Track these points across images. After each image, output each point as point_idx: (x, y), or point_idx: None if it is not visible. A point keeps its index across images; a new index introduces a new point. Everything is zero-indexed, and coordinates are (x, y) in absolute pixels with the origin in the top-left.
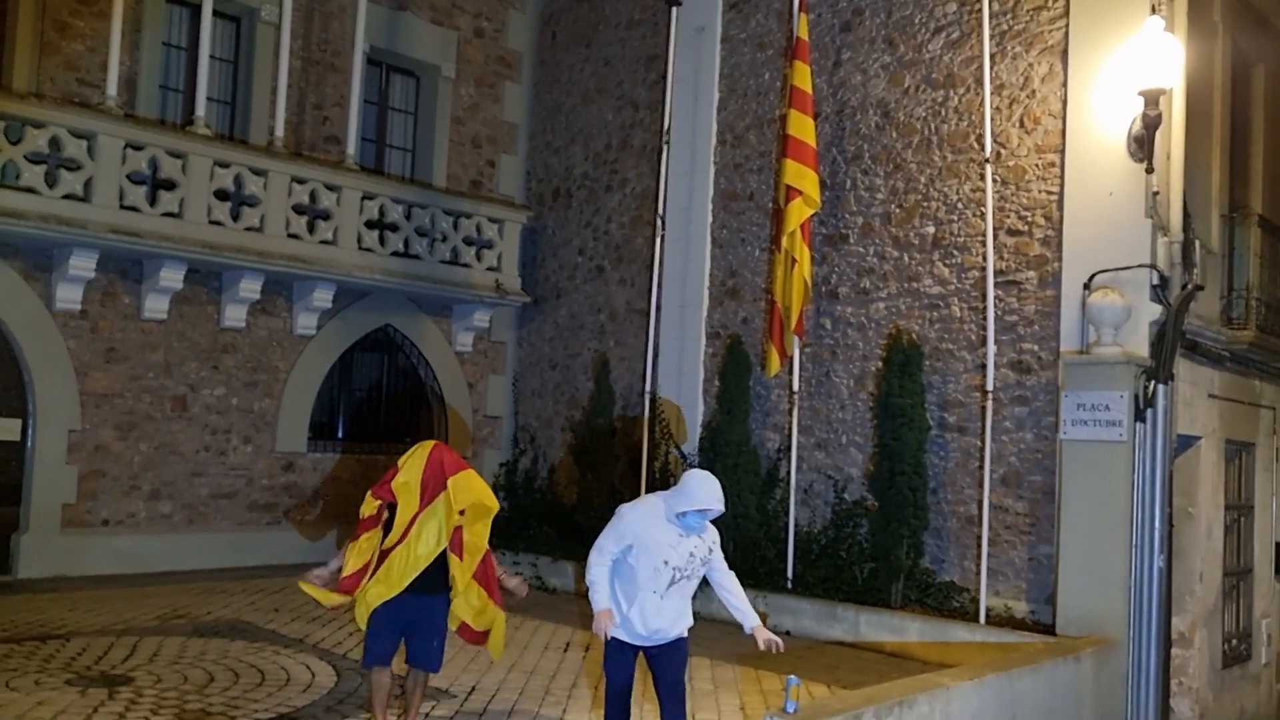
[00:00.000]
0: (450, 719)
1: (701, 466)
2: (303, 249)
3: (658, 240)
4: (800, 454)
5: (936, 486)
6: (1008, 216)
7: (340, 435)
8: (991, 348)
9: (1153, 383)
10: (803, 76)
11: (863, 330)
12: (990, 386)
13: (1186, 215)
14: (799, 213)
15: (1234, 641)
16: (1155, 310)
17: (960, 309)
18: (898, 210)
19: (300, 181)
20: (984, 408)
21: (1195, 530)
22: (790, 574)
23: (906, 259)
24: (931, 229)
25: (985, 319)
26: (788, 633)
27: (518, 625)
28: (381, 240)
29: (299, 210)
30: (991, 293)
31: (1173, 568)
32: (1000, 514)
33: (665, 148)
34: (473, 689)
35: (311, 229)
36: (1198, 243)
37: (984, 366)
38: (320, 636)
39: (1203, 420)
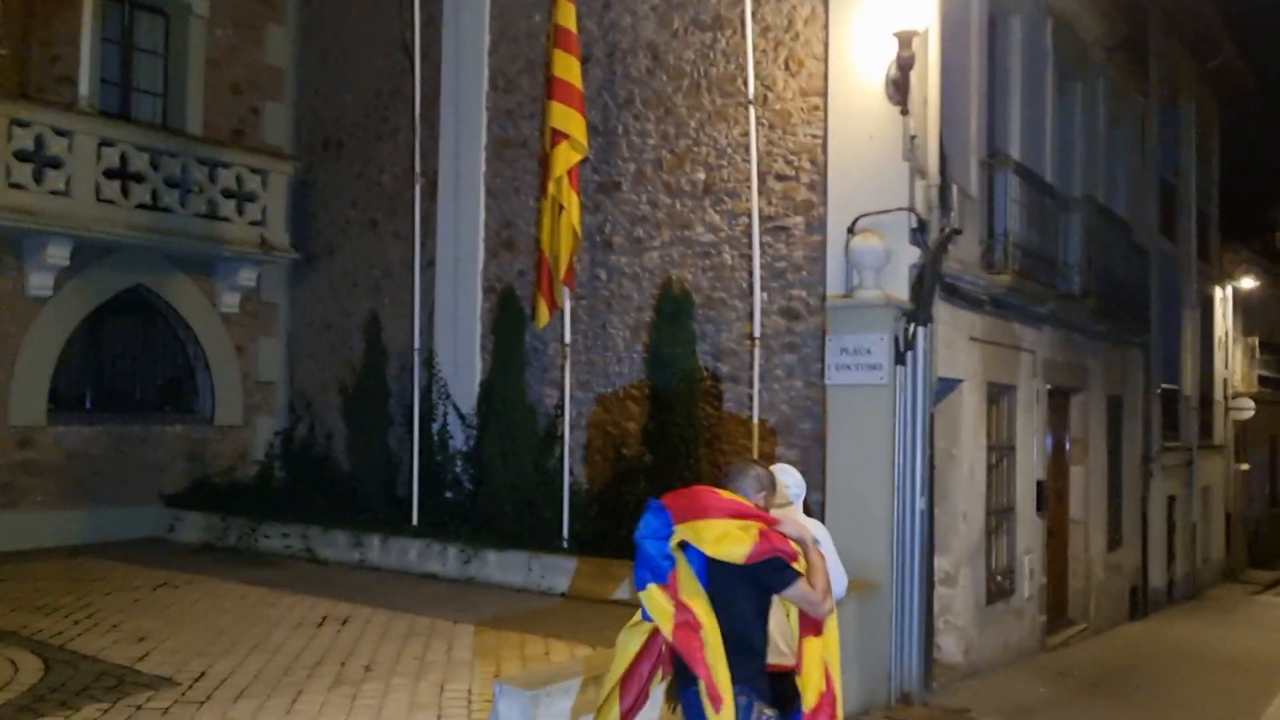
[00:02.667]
0: (167, 710)
1: (477, 425)
2: (28, 200)
3: (420, 191)
4: (579, 409)
5: (711, 438)
6: (775, 161)
7: (90, 406)
8: (759, 294)
9: (912, 325)
10: (567, 15)
11: (637, 280)
12: (758, 333)
13: (944, 159)
14: (566, 158)
15: (998, 578)
16: (915, 254)
17: (732, 256)
18: (669, 156)
19: (22, 124)
20: (752, 355)
21: (959, 471)
22: (566, 533)
23: (679, 206)
24: (702, 175)
25: (753, 265)
26: (563, 594)
27: (274, 602)
28: (125, 191)
29: (22, 157)
30: (757, 238)
31: (937, 509)
32: (773, 462)
33: (435, 94)
34: (201, 674)
35: (39, 178)
36: (956, 187)
37: (753, 313)
38: (39, 626)
39: (964, 363)
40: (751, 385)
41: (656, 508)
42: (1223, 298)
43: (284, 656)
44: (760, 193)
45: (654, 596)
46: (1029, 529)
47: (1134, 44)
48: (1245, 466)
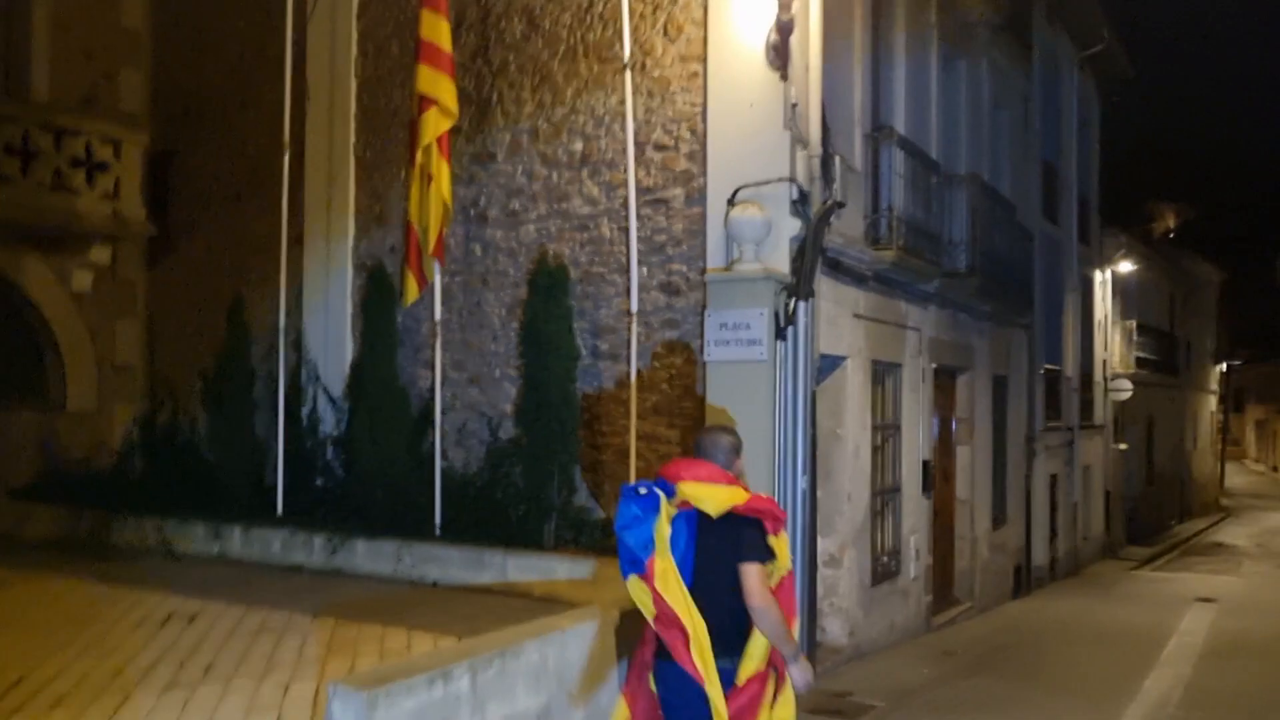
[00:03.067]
0: None
1: (348, 409)
2: None
3: (287, 162)
4: (454, 391)
5: (591, 419)
6: (654, 130)
7: None
8: (635, 269)
9: (793, 300)
10: None
11: (513, 256)
12: (634, 309)
13: (826, 129)
14: (435, 125)
15: (884, 559)
16: (796, 226)
17: (610, 229)
18: (546, 125)
19: None
20: (629, 331)
21: (843, 451)
22: (439, 520)
23: (556, 178)
24: (580, 145)
25: (630, 237)
26: (434, 583)
27: (117, 600)
28: None
29: None
30: (634, 210)
31: (821, 490)
32: (653, 443)
33: (301, 59)
34: (18, 681)
35: None
36: (839, 159)
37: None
38: None
39: (848, 340)
40: (627, 362)
41: (630, 493)
42: (1102, 281)
43: (117, 658)
44: (638, 163)
45: (635, 586)
46: (915, 509)
47: (1017, 25)
48: (1123, 446)
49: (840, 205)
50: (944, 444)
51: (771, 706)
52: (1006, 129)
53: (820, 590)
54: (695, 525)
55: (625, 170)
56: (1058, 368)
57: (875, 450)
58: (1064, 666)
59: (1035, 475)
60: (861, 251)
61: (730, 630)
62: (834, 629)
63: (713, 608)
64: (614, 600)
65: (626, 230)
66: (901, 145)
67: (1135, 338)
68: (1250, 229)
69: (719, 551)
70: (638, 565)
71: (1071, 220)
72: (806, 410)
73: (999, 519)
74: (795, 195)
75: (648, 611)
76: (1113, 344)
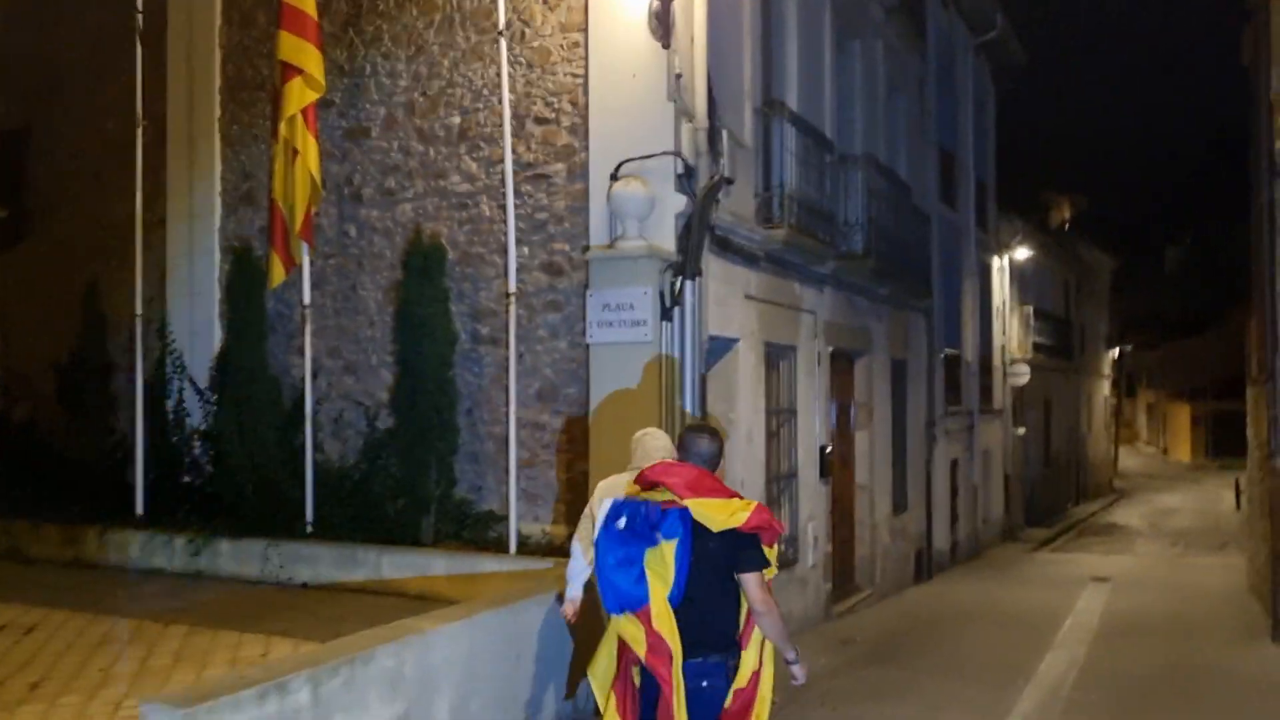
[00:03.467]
0: None
1: (215, 401)
2: None
3: (143, 139)
4: (329, 380)
5: (472, 406)
6: (534, 103)
7: None
8: (513, 247)
9: (680, 279)
10: None
11: (389, 236)
12: (512, 289)
13: (713, 102)
14: (300, 95)
15: (781, 546)
16: (682, 202)
17: (490, 207)
18: (421, 99)
19: None
20: (508, 314)
21: (736, 437)
22: (311, 517)
23: (433, 154)
24: (457, 119)
25: (508, 215)
26: (304, 585)
27: None
28: None
29: None
30: (510, 185)
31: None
32: (536, 431)
33: (162, 28)
34: None
35: None
36: (727, 133)
37: (515, 270)
38: None
39: (740, 322)
40: (510, 347)
41: (612, 534)
42: (1000, 267)
43: None
44: (519, 137)
45: (627, 624)
46: (813, 496)
47: (912, 8)
48: (1022, 430)
49: (729, 181)
50: (843, 429)
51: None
52: (903, 112)
53: None
54: (689, 526)
55: (499, 142)
56: (957, 352)
57: (770, 436)
58: (962, 651)
59: (936, 460)
60: (752, 230)
61: (728, 631)
62: None
63: (711, 610)
64: (496, 598)
65: (498, 204)
66: (794, 121)
67: (1033, 323)
68: (1140, 219)
69: (718, 559)
70: (634, 604)
71: (969, 206)
72: (696, 394)
73: (899, 504)
74: (680, 170)
75: (638, 646)
76: (1011, 329)
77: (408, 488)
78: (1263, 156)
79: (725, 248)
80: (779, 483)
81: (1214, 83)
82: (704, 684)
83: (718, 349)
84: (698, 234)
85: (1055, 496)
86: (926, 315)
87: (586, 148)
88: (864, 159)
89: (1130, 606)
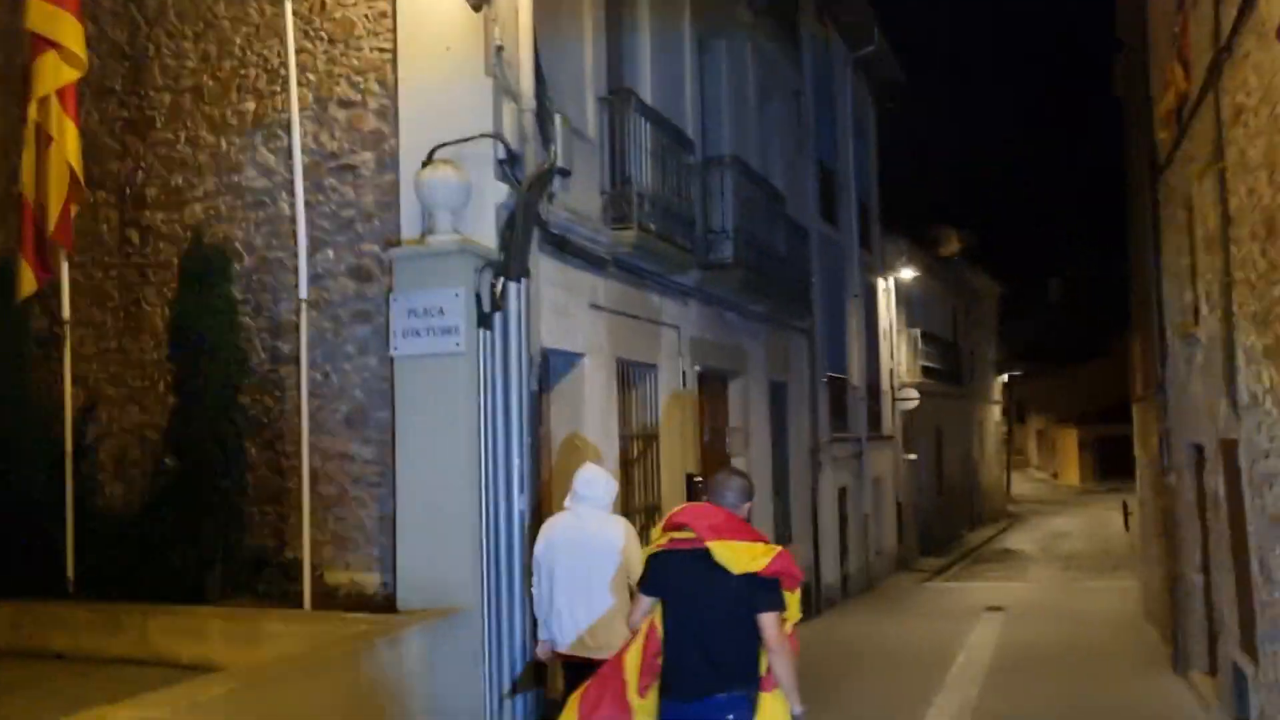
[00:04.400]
0: None
1: None
2: None
3: None
4: (110, 410)
5: (273, 437)
6: (337, 84)
7: None
8: (304, 246)
9: (502, 280)
10: None
11: (177, 243)
12: (305, 294)
13: (541, 81)
14: (54, 73)
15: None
16: (504, 192)
17: (290, 205)
18: (212, 83)
19: None
20: (299, 326)
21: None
22: (75, 573)
23: (225, 145)
24: (252, 104)
25: (297, 211)
26: (58, 655)
27: None
28: None
29: None
30: (299, 173)
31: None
32: (346, 463)
33: None
34: None
35: None
36: (560, 118)
37: (317, 276)
38: None
39: (585, 334)
40: (317, 367)
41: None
42: (886, 288)
43: None
44: (320, 123)
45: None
46: None
47: (784, 12)
48: (913, 456)
49: (564, 173)
50: (716, 456)
51: None
52: (777, 122)
53: None
54: (698, 562)
55: (308, 133)
56: (843, 376)
57: (628, 463)
58: (848, 696)
59: (822, 488)
60: (597, 231)
61: (747, 665)
62: None
63: (729, 646)
64: (272, 667)
65: (309, 204)
66: (646, 114)
67: (921, 346)
68: (1023, 251)
69: (739, 599)
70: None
71: (851, 224)
72: (525, 415)
73: (783, 536)
74: (502, 155)
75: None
76: (899, 353)
77: (189, 535)
78: (1144, 158)
79: (563, 249)
80: (640, 515)
81: (1091, 117)
82: (729, 717)
83: (560, 365)
84: (523, 229)
85: (949, 523)
86: (808, 336)
87: (397, 133)
88: (730, 160)
89: (1025, 638)
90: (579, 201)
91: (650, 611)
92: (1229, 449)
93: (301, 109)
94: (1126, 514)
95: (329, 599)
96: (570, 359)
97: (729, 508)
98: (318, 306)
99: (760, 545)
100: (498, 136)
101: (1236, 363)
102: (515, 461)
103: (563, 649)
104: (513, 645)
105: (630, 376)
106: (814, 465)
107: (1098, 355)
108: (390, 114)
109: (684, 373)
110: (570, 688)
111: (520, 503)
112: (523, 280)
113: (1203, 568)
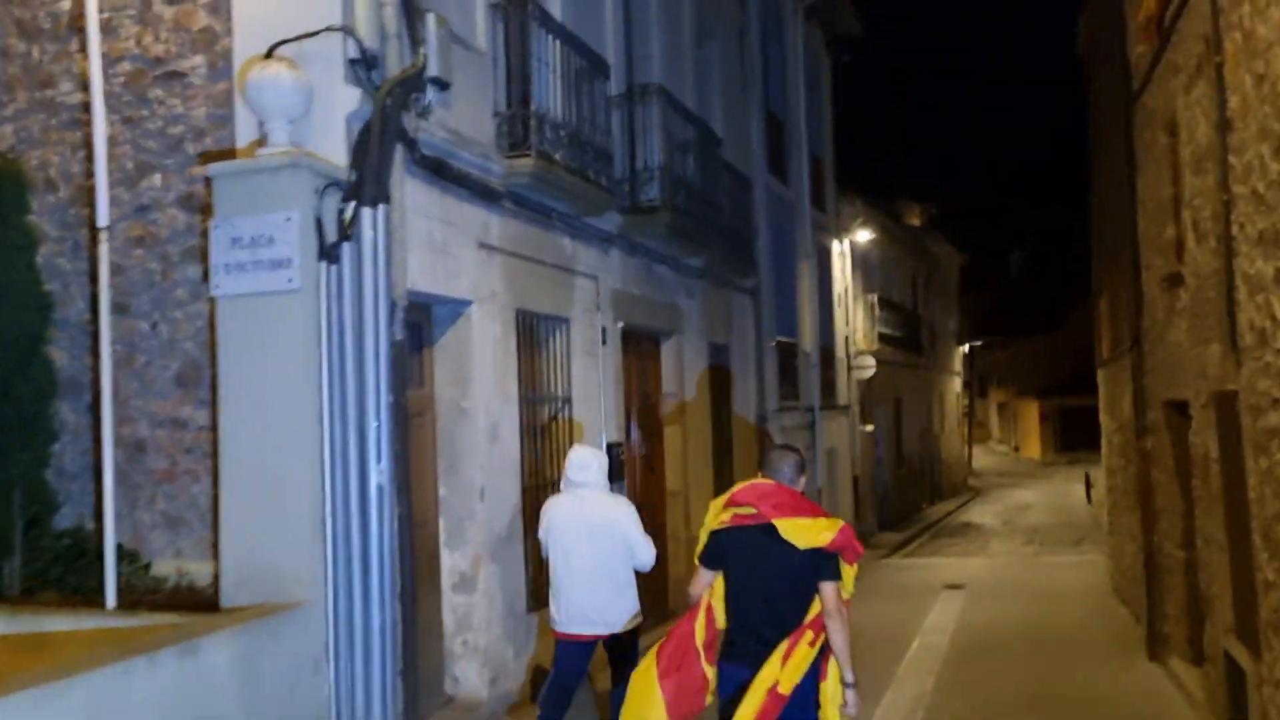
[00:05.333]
0: None
1: None
2: None
3: None
4: None
5: (96, 398)
6: None
7: None
8: (102, 154)
9: (353, 205)
10: None
11: None
12: (104, 222)
13: None
14: None
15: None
16: (356, 98)
17: (115, 123)
18: None
19: None
20: (94, 261)
21: (471, 431)
22: None
23: (37, 54)
24: (67, 4)
25: (94, 119)
26: None
27: None
28: None
29: None
30: (97, 69)
31: (445, 486)
32: (177, 431)
33: None
34: None
35: None
36: (435, 17)
37: (143, 207)
38: None
39: (473, 278)
40: (144, 316)
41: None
42: (841, 251)
43: None
44: (143, 22)
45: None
46: None
47: None
48: (870, 428)
49: (441, 84)
50: (647, 424)
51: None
52: (719, 63)
53: (448, 624)
54: (762, 537)
55: (129, 35)
56: (793, 341)
57: (530, 432)
58: None
59: (770, 463)
60: (487, 158)
61: (783, 628)
62: (469, 676)
63: (789, 618)
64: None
65: (133, 121)
66: (550, 27)
67: (878, 313)
68: (984, 222)
69: (801, 571)
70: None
71: (803, 180)
72: (382, 369)
73: None
74: (354, 54)
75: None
76: (855, 319)
77: None
78: (1115, 93)
79: (442, 175)
80: (546, 491)
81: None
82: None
83: (445, 314)
84: (382, 144)
85: (909, 497)
86: (753, 296)
87: (230, 31)
88: (658, 93)
89: (985, 618)
90: (466, 123)
91: (710, 585)
92: (1224, 402)
93: (122, 5)
94: (1089, 486)
95: (152, 593)
96: (455, 307)
97: (787, 483)
98: (143, 243)
99: (823, 520)
100: (347, 31)
101: (1236, 297)
102: (372, 425)
103: (561, 629)
104: (370, 648)
105: (535, 330)
106: (761, 435)
107: (1059, 328)
108: (223, 8)
109: (603, 329)
110: (562, 668)
111: (379, 475)
112: (381, 206)
113: (1184, 542)
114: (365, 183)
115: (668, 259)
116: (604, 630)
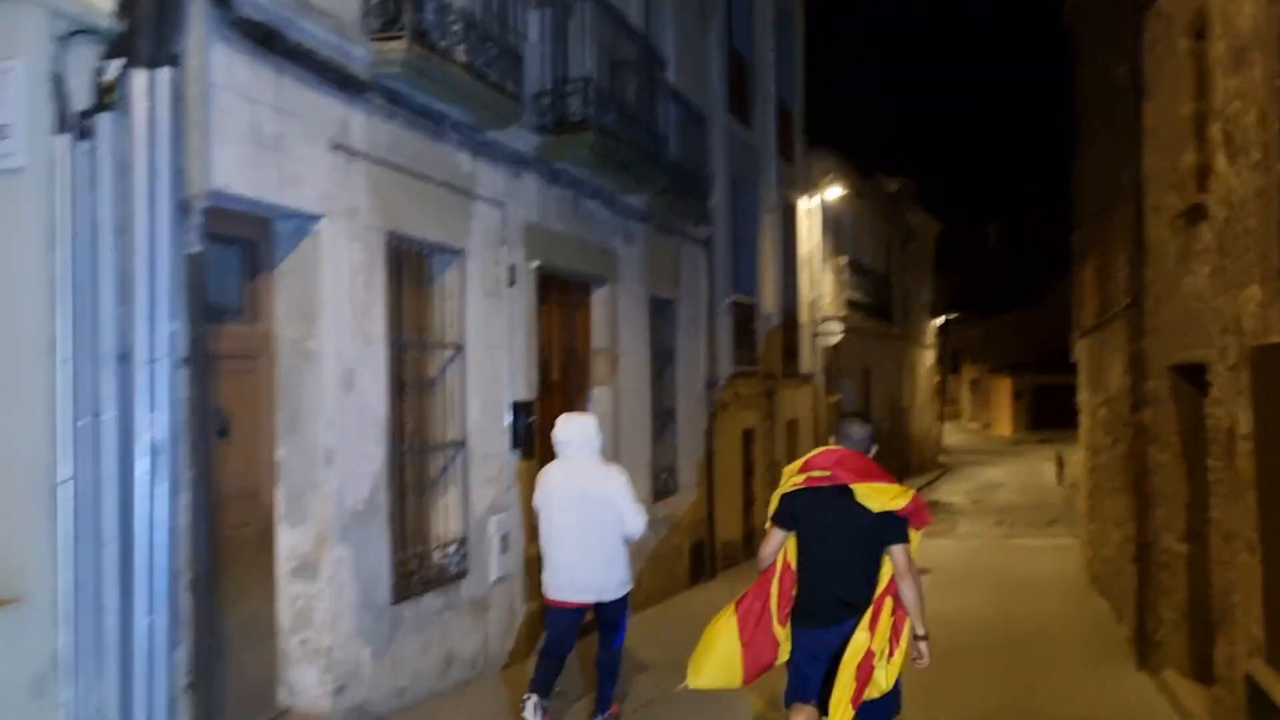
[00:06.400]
0: None
1: None
2: None
3: None
4: None
5: None
6: None
7: None
8: None
9: (121, 64)
10: None
11: None
12: None
13: None
14: None
15: (423, 555)
16: None
17: None
18: None
19: None
20: None
21: (318, 380)
22: None
23: None
24: None
25: None
26: None
27: None
28: None
29: None
30: None
31: (285, 445)
32: None
33: None
34: None
35: None
36: None
37: None
38: None
39: (323, 187)
40: None
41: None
42: (810, 209)
43: None
44: None
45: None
46: (500, 475)
47: None
48: (836, 398)
49: None
50: (572, 383)
51: (887, 662)
52: None
53: (285, 621)
54: (837, 499)
55: None
56: (753, 301)
57: (403, 383)
58: (709, 708)
59: (722, 430)
60: (346, 37)
61: (871, 593)
62: (307, 684)
63: (859, 576)
64: None
65: None
66: None
67: (848, 276)
68: (962, 196)
69: (872, 534)
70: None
71: (769, 128)
72: (160, 289)
73: (666, 486)
74: None
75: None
76: (822, 283)
77: None
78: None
79: (273, 48)
80: (424, 457)
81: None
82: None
83: (287, 232)
84: None
85: None
86: (706, 248)
87: None
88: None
89: (951, 612)
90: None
91: (783, 544)
92: (1265, 360)
93: None
94: (1061, 465)
95: None
96: (301, 223)
97: (860, 450)
98: None
99: (896, 486)
100: None
101: None
102: (143, 364)
103: (551, 596)
104: (131, 655)
105: (417, 262)
106: (711, 402)
107: (1035, 305)
108: None
109: (512, 267)
110: (552, 635)
111: (155, 430)
112: (165, 70)
113: (1188, 535)
114: (139, 36)
115: (601, 194)
116: (591, 598)
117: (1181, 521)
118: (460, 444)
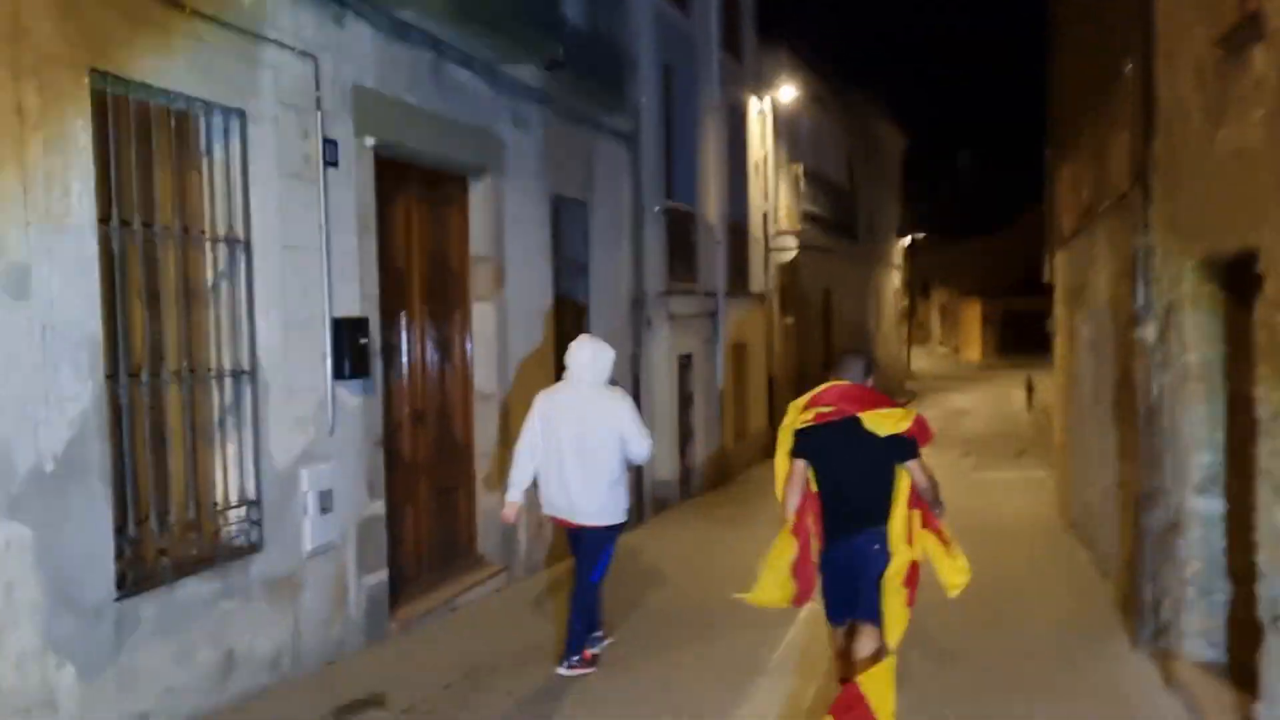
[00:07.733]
0: None
1: None
2: None
3: None
4: None
5: None
6: None
7: None
8: None
9: None
10: None
11: None
12: None
13: None
14: None
15: (179, 528)
16: None
17: None
18: None
19: None
20: None
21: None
22: None
23: None
24: None
25: None
26: None
27: None
28: None
29: None
30: None
31: None
32: None
33: None
34: None
35: None
36: None
37: None
38: None
39: None
40: None
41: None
42: (761, 111)
43: None
44: None
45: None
46: (320, 412)
47: None
48: (791, 320)
49: None
50: (444, 299)
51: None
52: None
53: None
54: (847, 430)
55: None
56: (691, 209)
57: (138, 290)
58: (612, 685)
59: (652, 356)
60: None
61: (885, 508)
62: None
63: (874, 494)
64: None
65: None
66: None
67: (805, 188)
68: (932, 118)
69: (883, 455)
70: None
71: (710, 15)
72: None
73: None
74: None
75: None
76: (776, 195)
77: None
78: None
79: None
80: (187, 391)
81: None
82: (875, 547)
83: None
84: None
85: None
86: (629, 144)
87: None
88: None
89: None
90: None
91: (805, 476)
92: None
93: None
94: (1031, 391)
95: None
96: None
97: (860, 383)
98: None
99: (899, 410)
100: None
101: None
102: None
103: (548, 512)
104: None
105: (163, 119)
106: (637, 323)
107: (1005, 230)
108: None
109: (332, 143)
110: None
111: None
112: None
113: (1218, 489)
114: None
115: (474, 62)
116: (587, 521)
117: (1200, 471)
118: (245, 373)
